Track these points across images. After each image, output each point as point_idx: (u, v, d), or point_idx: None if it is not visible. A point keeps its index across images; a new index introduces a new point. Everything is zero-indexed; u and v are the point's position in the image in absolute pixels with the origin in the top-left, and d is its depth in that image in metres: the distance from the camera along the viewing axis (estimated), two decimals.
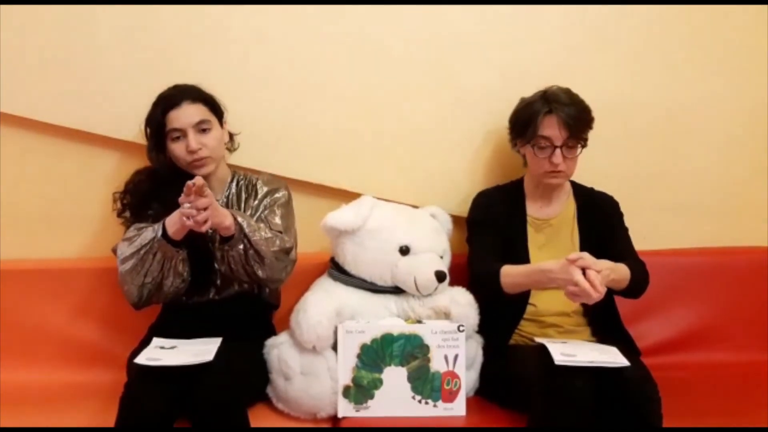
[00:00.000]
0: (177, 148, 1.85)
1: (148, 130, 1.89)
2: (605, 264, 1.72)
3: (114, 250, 1.84)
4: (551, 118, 1.89)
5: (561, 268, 1.71)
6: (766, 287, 2.24)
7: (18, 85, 2.09)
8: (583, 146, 1.95)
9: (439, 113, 2.22)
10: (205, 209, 1.63)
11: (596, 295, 1.66)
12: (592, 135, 2.00)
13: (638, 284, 1.88)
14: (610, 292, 1.83)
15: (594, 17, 2.21)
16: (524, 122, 1.94)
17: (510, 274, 1.85)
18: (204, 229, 1.66)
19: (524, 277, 1.84)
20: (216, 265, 1.83)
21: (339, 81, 2.17)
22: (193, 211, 1.62)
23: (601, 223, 2.00)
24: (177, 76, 1.95)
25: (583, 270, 1.68)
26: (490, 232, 1.98)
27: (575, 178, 2.08)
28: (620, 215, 2.05)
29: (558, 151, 1.89)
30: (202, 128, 1.86)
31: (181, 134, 1.84)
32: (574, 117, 1.89)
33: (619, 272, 1.79)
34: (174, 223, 1.69)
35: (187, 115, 1.85)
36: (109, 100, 2.10)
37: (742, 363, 2.15)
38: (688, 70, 2.28)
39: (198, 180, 1.62)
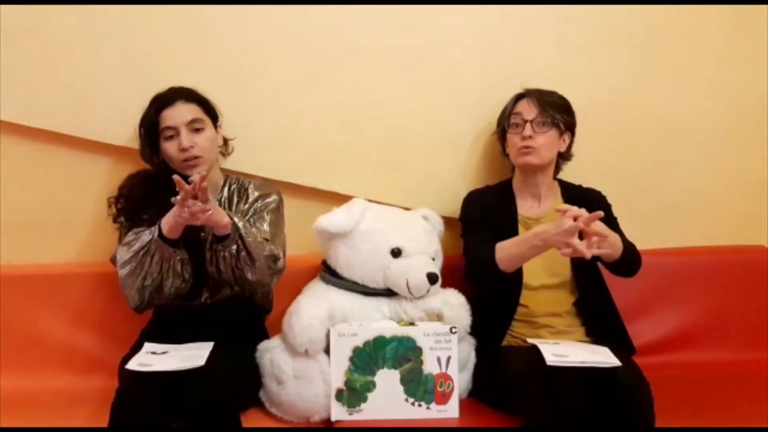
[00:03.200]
0: (170, 147, 1.86)
1: (142, 130, 1.90)
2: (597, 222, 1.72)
3: (113, 259, 1.84)
4: (524, 100, 1.99)
5: (554, 226, 1.70)
6: (763, 286, 2.24)
7: (12, 92, 2.09)
8: (560, 130, 1.97)
9: (429, 116, 2.22)
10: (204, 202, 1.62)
11: (589, 251, 1.66)
12: (587, 135, 2.01)
13: (631, 256, 1.87)
14: (602, 262, 1.86)
15: (586, 17, 2.21)
16: (502, 112, 2.03)
17: (504, 247, 1.84)
18: (200, 222, 1.65)
19: (518, 246, 1.82)
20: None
21: (330, 84, 2.17)
22: (189, 202, 1.61)
23: None
24: (169, 80, 1.95)
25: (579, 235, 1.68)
26: (483, 227, 1.97)
27: (567, 177, 2.08)
28: (608, 206, 2.04)
29: (528, 124, 1.94)
30: (195, 128, 1.86)
31: (174, 133, 1.85)
32: (545, 96, 1.96)
33: (612, 234, 1.78)
34: (168, 221, 1.69)
35: (180, 113, 1.86)
36: (102, 105, 2.11)
37: (740, 362, 2.15)
38: (682, 69, 2.27)
39: (197, 176, 1.61)
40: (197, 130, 1.87)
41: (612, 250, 1.78)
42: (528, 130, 1.94)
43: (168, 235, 1.71)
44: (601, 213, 1.67)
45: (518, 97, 2.01)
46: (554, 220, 1.73)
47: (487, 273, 1.86)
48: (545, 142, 1.95)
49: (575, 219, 1.67)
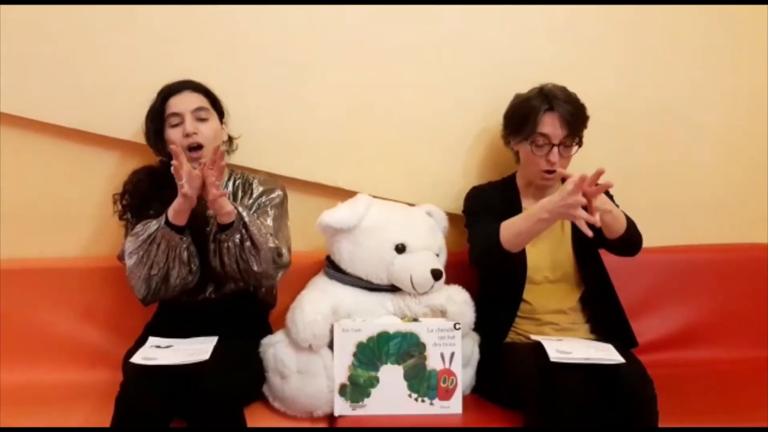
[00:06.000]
0: (174, 134, 1.86)
1: (148, 121, 1.90)
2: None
3: (120, 256, 1.85)
4: (552, 116, 1.88)
5: (557, 195, 1.68)
6: (764, 284, 2.24)
7: (17, 85, 2.09)
8: (579, 145, 1.94)
9: (434, 111, 2.22)
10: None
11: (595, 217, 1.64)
12: (589, 131, 2.00)
13: (633, 233, 1.83)
14: (604, 241, 1.82)
15: (589, 14, 2.21)
16: (522, 118, 1.92)
17: (509, 225, 1.80)
18: (210, 196, 1.67)
19: (524, 221, 1.78)
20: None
21: (335, 80, 2.17)
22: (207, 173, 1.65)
23: None
24: (175, 75, 1.95)
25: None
26: (488, 215, 1.93)
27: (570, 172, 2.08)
28: (610, 197, 2.02)
29: (555, 149, 1.88)
30: (200, 116, 1.87)
31: (180, 120, 1.86)
32: (573, 114, 1.88)
33: (616, 210, 1.77)
34: (173, 207, 1.70)
35: (186, 101, 1.87)
36: (107, 99, 2.11)
37: (741, 360, 2.15)
38: (686, 66, 2.27)
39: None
40: (202, 120, 1.88)
41: (616, 223, 1.74)
42: (555, 156, 1.87)
43: (174, 221, 1.71)
44: (603, 170, 1.64)
45: (545, 110, 1.88)
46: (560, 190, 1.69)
47: (491, 254, 1.82)
48: (567, 163, 1.92)
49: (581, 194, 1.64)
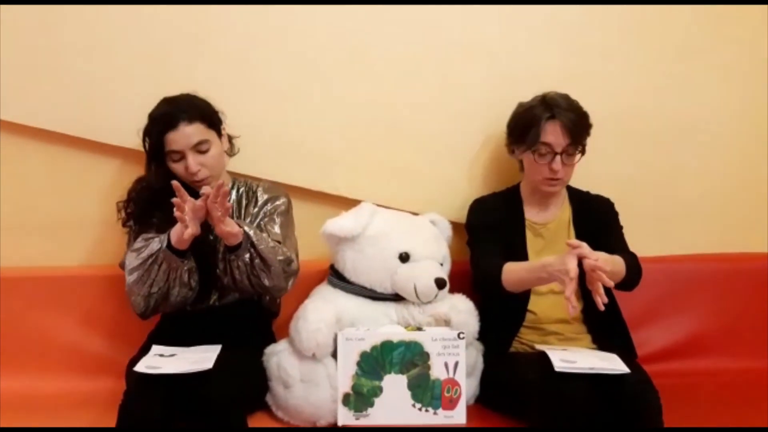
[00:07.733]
0: (178, 168, 1.84)
1: (146, 146, 1.87)
2: (602, 255, 1.71)
3: (122, 264, 1.84)
4: (554, 124, 1.89)
5: (559, 260, 1.70)
6: (766, 294, 2.24)
7: (18, 92, 2.09)
8: (582, 153, 1.95)
9: (438, 120, 2.22)
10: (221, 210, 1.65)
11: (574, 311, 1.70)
12: (592, 141, 2.01)
13: (633, 275, 1.87)
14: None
15: (593, 22, 2.22)
16: (524, 127, 1.94)
17: (512, 270, 1.85)
18: (216, 227, 1.66)
19: (526, 272, 1.83)
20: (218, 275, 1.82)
21: (338, 88, 2.18)
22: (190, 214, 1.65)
23: (596, 226, 2.00)
24: (176, 82, 1.95)
25: (580, 262, 1.67)
26: (490, 235, 1.98)
27: (572, 182, 2.08)
28: (615, 214, 2.06)
29: (558, 157, 1.89)
30: (200, 149, 1.84)
31: (181, 156, 1.83)
32: (575, 123, 1.89)
33: (616, 264, 1.79)
34: (176, 232, 1.70)
35: (184, 136, 1.81)
36: (109, 107, 2.11)
37: (744, 370, 2.15)
38: (688, 76, 2.28)
39: (207, 189, 1.67)
40: (203, 151, 1.84)
41: (615, 276, 1.76)
42: (558, 164, 1.89)
43: (177, 246, 1.71)
44: (605, 262, 1.66)
45: (547, 118, 1.89)
46: (564, 253, 1.70)
47: (494, 290, 1.87)
48: (571, 170, 1.94)
49: (581, 258, 1.66)
